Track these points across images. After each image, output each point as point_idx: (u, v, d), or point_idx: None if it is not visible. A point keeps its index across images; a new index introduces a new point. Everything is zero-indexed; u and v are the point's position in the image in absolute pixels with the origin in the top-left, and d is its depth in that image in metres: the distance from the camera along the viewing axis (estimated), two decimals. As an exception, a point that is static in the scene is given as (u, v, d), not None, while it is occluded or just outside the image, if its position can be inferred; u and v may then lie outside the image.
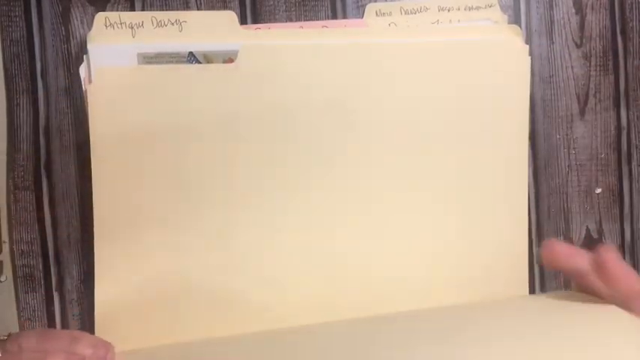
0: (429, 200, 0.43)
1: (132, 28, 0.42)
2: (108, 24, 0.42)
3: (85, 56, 0.42)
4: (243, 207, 0.42)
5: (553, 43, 0.45)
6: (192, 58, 0.42)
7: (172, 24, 0.42)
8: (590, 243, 0.46)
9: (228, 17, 0.42)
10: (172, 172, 0.42)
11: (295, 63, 0.42)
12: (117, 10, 0.44)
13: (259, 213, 0.43)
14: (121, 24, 0.42)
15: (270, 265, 0.43)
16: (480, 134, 0.43)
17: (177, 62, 0.42)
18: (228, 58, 0.42)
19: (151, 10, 0.44)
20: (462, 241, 0.43)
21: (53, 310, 0.45)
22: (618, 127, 0.46)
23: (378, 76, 0.42)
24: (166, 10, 0.44)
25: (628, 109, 0.46)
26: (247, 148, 0.42)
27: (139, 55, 0.42)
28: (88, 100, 0.41)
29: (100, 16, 0.42)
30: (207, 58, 0.42)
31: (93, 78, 0.41)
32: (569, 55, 0.45)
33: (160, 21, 0.42)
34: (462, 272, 0.43)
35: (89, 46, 0.41)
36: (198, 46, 0.42)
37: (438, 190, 0.43)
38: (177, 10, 0.44)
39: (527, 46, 0.43)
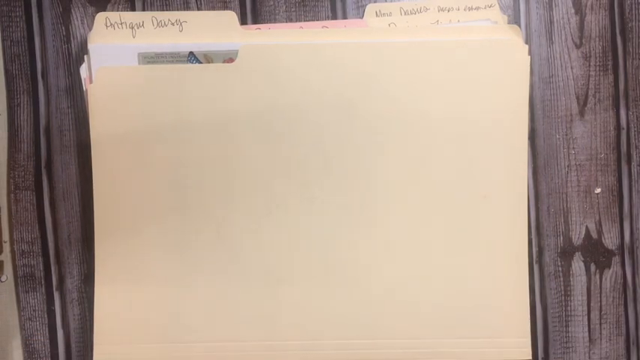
0: (428, 199, 0.43)
1: (132, 28, 0.42)
2: (108, 24, 0.42)
3: (85, 56, 0.42)
4: (242, 206, 0.43)
5: (553, 43, 0.45)
6: (192, 58, 0.42)
7: (173, 24, 0.42)
8: (590, 243, 0.46)
9: (228, 17, 0.43)
10: (172, 171, 0.42)
11: (295, 63, 0.42)
12: (117, 10, 0.44)
13: (259, 212, 0.43)
14: (121, 24, 0.42)
15: (269, 264, 0.43)
16: (480, 134, 0.43)
17: (178, 62, 0.42)
18: (228, 58, 0.42)
19: (151, 11, 0.44)
20: (460, 241, 0.43)
21: (54, 310, 0.45)
22: (618, 127, 0.46)
23: (378, 76, 0.42)
24: (166, 10, 0.44)
25: (627, 109, 0.46)
26: (247, 147, 0.42)
27: (139, 55, 0.42)
28: (89, 100, 0.42)
29: (101, 16, 0.42)
30: (207, 58, 0.42)
31: (94, 78, 0.41)
32: (569, 55, 0.45)
33: (161, 21, 0.42)
34: (461, 272, 0.43)
35: (90, 46, 0.42)
36: (198, 46, 0.42)
37: (436, 188, 0.43)
38: (178, 10, 0.44)
39: (527, 46, 0.43)
